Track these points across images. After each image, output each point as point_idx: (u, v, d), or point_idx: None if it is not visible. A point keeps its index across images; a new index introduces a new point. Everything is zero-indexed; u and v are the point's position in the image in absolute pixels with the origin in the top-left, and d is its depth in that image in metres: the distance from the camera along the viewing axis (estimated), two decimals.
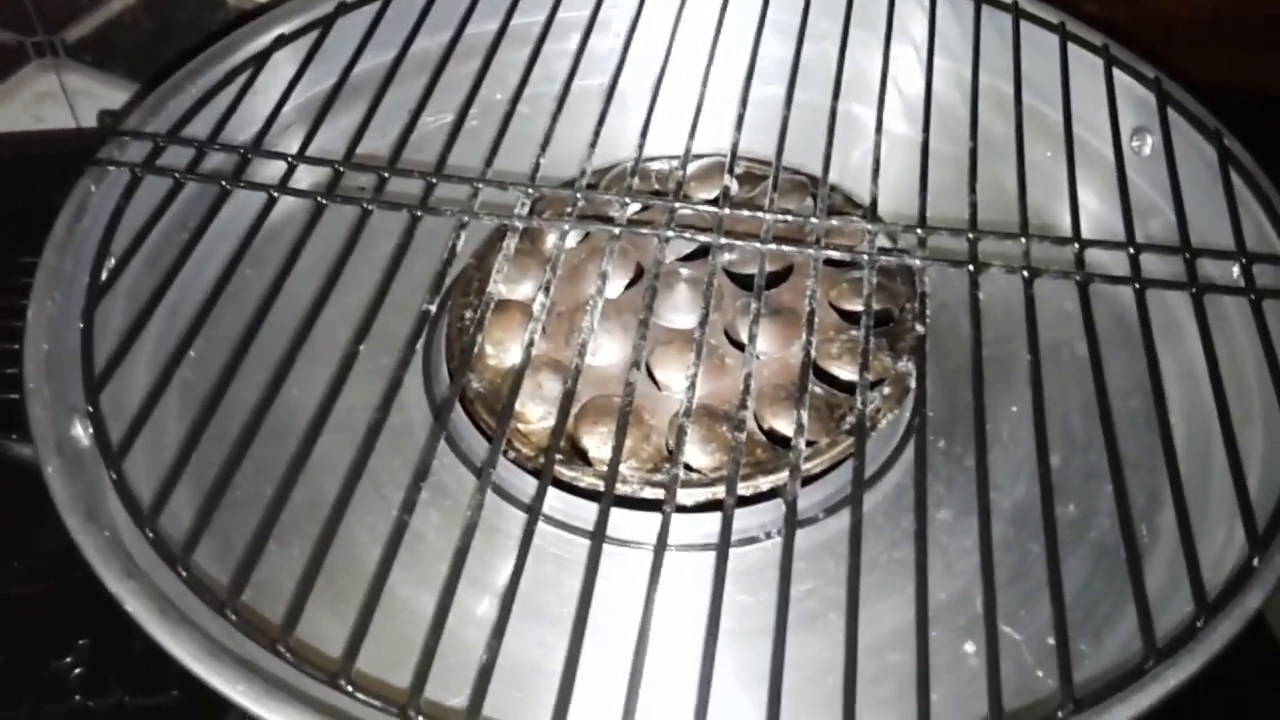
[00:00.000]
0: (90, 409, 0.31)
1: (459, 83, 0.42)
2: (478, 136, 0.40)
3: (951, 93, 0.45)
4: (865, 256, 0.36)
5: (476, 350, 0.35)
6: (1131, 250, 0.37)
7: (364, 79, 0.42)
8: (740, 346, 0.39)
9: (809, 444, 0.36)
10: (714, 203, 0.38)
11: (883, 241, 0.37)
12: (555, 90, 0.42)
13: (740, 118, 0.41)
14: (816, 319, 0.35)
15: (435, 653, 0.27)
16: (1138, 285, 0.36)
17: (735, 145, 0.40)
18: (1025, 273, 0.36)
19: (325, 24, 0.43)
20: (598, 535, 0.30)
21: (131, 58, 0.58)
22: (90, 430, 0.32)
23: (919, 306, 0.36)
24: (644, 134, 0.40)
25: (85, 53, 0.58)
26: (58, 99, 0.59)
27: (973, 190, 0.39)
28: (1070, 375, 0.41)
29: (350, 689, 0.26)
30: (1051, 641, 0.34)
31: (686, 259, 0.42)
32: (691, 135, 0.40)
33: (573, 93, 0.42)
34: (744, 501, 0.35)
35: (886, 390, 0.38)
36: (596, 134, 0.40)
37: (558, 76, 0.42)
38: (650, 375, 0.38)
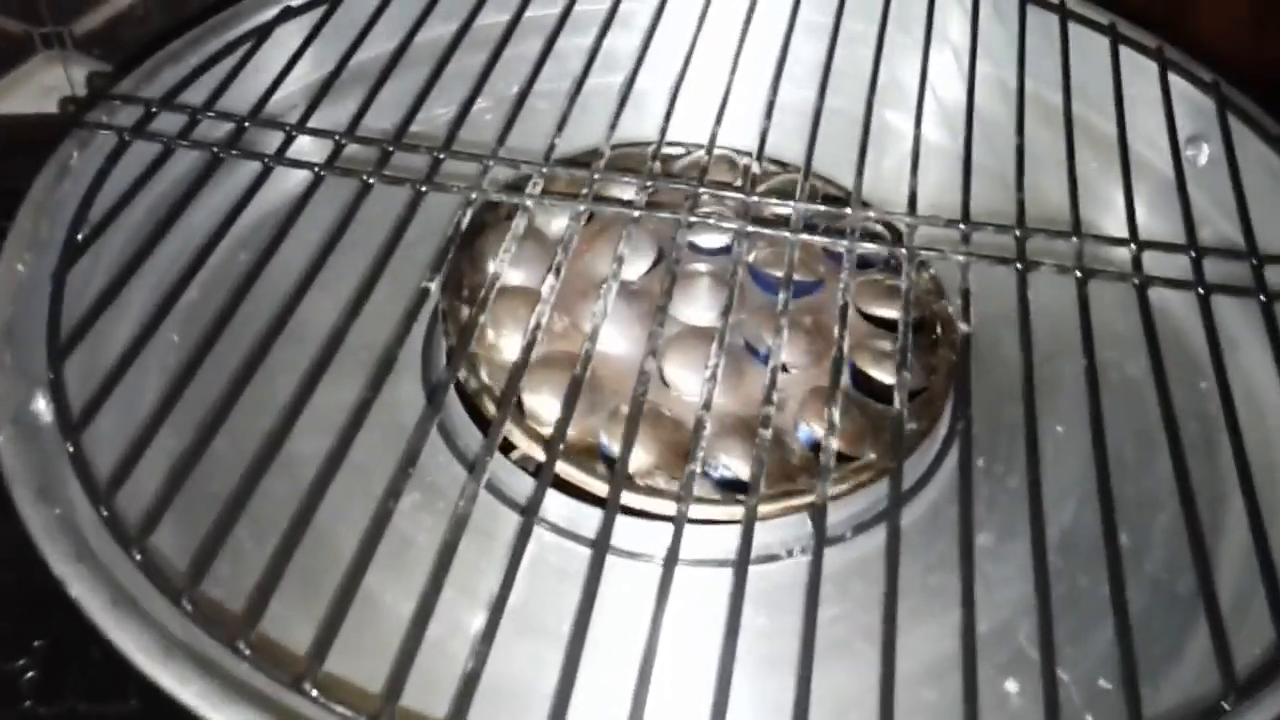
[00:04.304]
0: (51, 375, 0.29)
1: (470, 72, 0.40)
2: (490, 123, 0.38)
3: (991, 99, 0.43)
4: (903, 251, 0.34)
5: (478, 337, 0.32)
6: (1193, 253, 0.34)
7: (372, 63, 0.40)
8: (756, 353, 0.36)
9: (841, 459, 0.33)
10: (740, 189, 0.36)
11: (921, 237, 0.35)
12: (571, 84, 0.39)
13: (769, 105, 0.39)
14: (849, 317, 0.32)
15: (415, 654, 0.24)
16: (1201, 290, 0.33)
17: (765, 132, 0.37)
18: (1079, 273, 0.33)
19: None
20: (600, 543, 0.27)
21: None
22: (51, 401, 0.29)
23: (962, 304, 0.33)
24: (667, 118, 0.38)
25: (93, 46, 0.56)
26: (64, 93, 0.58)
27: (1020, 188, 0.36)
28: (1121, 397, 0.38)
29: (314, 693, 0.23)
30: (1103, 683, 0.31)
31: (712, 254, 0.40)
32: (718, 121, 0.38)
33: (591, 88, 0.39)
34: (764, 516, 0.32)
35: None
36: (616, 115, 0.38)
37: (574, 71, 0.40)
38: (658, 374, 0.36)
